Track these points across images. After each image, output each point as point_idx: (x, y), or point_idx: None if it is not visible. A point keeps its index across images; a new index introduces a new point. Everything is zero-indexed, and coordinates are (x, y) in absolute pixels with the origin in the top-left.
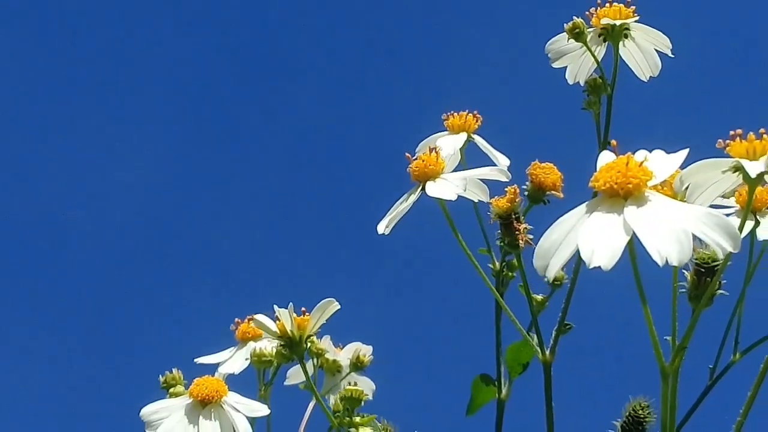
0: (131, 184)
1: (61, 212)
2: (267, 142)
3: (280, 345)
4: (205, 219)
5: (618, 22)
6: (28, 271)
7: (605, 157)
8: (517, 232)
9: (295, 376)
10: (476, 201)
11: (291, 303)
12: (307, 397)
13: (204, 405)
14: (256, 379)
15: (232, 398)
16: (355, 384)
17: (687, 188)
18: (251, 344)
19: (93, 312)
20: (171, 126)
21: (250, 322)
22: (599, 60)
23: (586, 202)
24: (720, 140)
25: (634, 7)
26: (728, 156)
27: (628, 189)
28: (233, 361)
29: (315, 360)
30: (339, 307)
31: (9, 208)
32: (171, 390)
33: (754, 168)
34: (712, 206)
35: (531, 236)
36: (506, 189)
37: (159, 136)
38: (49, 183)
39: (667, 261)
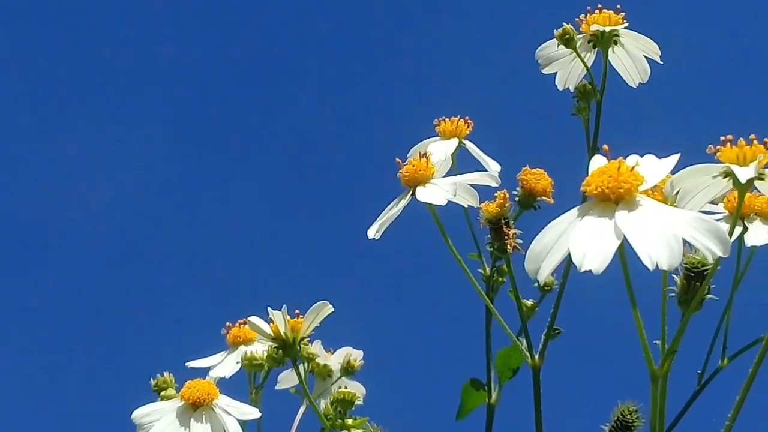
0: (122, 190)
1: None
2: (262, 146)
3: (274, 347)
4: (199, 223)
5: (607, 29)
6: (23, 274)
7: (597, 162)
8: (506, 237)
9: (286, 380)
10: (466, 206)
11: (284, 305)
12: (297, 401)
13: (195, 408)
14: (247, 383)
15: (223, 401)
16: (346, 388)
17: (677, 193)
18: (242, 348)
19: (86, 315)
20: (167, 129)
21: (242, 325)
22: (589, 66)
23: (578, 206)
24: (710, 146)
25: (623, 14)
26: (719, 161)
27: (620, 193)
28: (224, 364)
29: (306, 364)
30: (332, 309)
31: (6, 209)
32: (162, 393)
33: (744, 173)
34: (701, 212)
35: (520, 241)
36: (496, 194)
37: (155, 139)
38: (46, 184)
39: (657, 265)
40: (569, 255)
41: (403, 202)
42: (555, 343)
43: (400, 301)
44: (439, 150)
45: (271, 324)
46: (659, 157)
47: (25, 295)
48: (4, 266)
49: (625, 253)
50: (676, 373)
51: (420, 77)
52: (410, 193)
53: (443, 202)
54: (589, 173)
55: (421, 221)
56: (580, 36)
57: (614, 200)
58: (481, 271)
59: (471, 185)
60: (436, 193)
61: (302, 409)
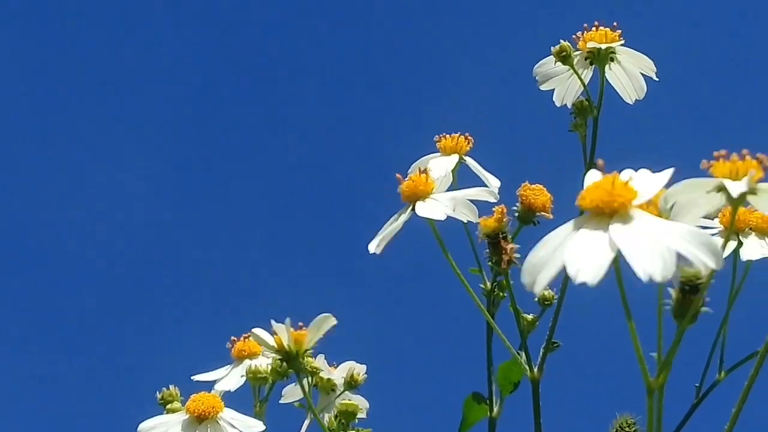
0: (125, 203)
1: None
2: (264, 155)
3: (277, 359)
4: (202, 238)
5: (604, 46)
6: (27, 287)
7: (592, 177)
8: (504, 252)
9: (290, 394)
10: (465, 221)
11: (288, 317)
12: (301, 415)
13: (200, 421)
14: (252, 396)
15: (228, 414)
16: (350, 400)
17: (672, 207)
18: (247, 362)
19: (92, 330)
20: (170, 130)
21: (247, 339)
22: (586, 83)
23: (573, 220)
24: (704, 161)
25: (620, 31)
26: (712, 176)
27: (614, 207)
28: (229, 378)
29: (310, 378)
30: (336, 322)
31: (8, 214)
32: (168, 406)
33: (736, 188)
34: (697, 226)
35: (518, 255)
36: (494, 209)
37: (158, 142)
38: (48, 187)
39: (651, 278)
40: (565, 268)
41: (404, 217)
42: (554, 356)
43: (403, 315)
44: (440, 166)
45: (275, 336)
46: (654, 172)
47: (29, 307)
48: (6, 272)
49: (619, 266)
50: (675, 386)
51: (422, 93)
52: (410, 208)
53: (442, 217)
54: (584, 188)
55: (422, 236)
56: (577, 53)
57: (609, 214)
58: (482, 285)
59: (470, 200)
60: (435, 208)
61: (306, 422)
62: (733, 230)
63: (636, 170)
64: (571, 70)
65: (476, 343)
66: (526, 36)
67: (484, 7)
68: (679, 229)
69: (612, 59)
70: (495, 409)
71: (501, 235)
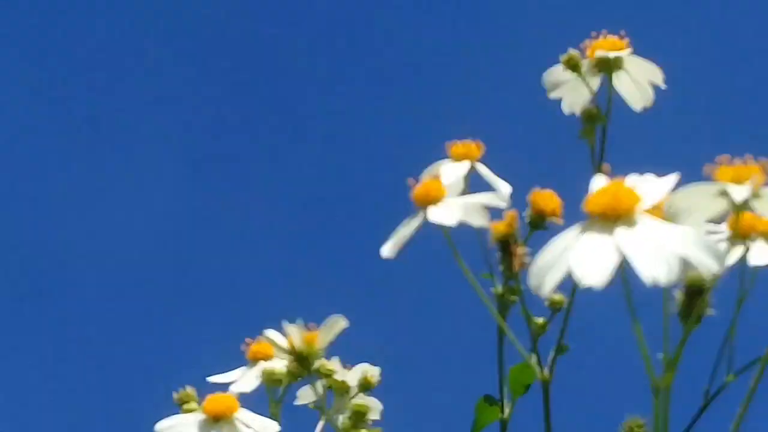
0: (148, 204)
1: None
2: (276, 162)
3: (290, 360)
4: (218, 240)
5: (612, 55)
6: (45, 289)
7: (598, 182)
8: (514, 256)
9: (304, 396)
10: (477, 226)
11: (300, 318)
12: (316, 416)
13: (216, 420)
14: (267, 398)
15: (243, 415)
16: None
17: (676, 211)
18: (262, 364)
19: (111, 332)
20: (185, 142)
21: (262, 342)
22: (594, 91)
23: (579, 224)
24: (708, 165)
25: (627, 40)
26: (716, 181)
27: (619, 212)
28: (245, 380)
29: (324, 380)
30: (346, 324)
31: (32, 225)
32: (184, 406)
33: (739, 193)
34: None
35: (529, 259)
36: (505, 213)
37: (172, 152)
38: (65, 200)
39: (655, 281)
40: (571, 271)
41: (416, 222)
42: (564, 358)
43: (416, 319)
44: (451, 172)
45: (287, 337)
46: (661, 176)
47: (52, 309)
48: (25, 284)
49: (625, 269)
50: (683, 389)
51: (433, 101)
52: (423, 213)
53: (453, 222)
54: (590, 193)
55: (435, 241)
56: (586, 61)
57: (614, 218)
58: (493, 290)
59: (481, 206)
60: (447, 213)
61: (321, 424)
62: (739, 236)
63: (642, 174)
64: (580, 79)
65: (487, 347)
66: (535, 44)
67: (492, 16)
68: (684, 233)
69: (620, 68)
70: (506, 411)
71: (512, 240)
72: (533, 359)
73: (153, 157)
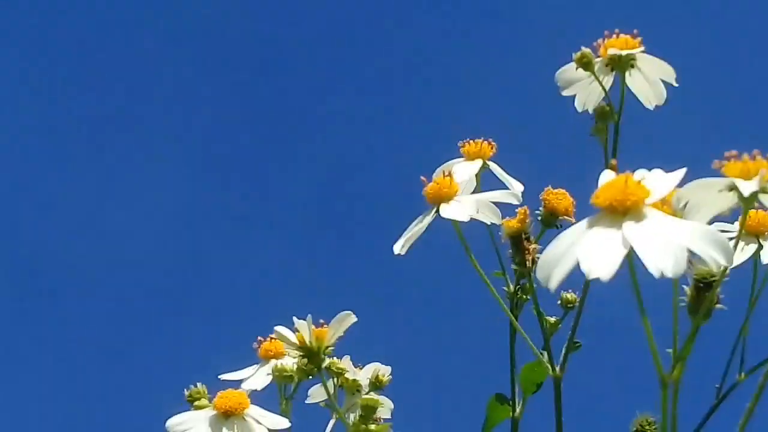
0: (158, 203)
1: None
2: (286, 162)
3: (300, 356)
4: (230, 238)
5: (624, 53)
6: (59, 289)
7: (606, 176)
8: (526, 252)
9: (316, 394)
10: (488, 223)
11: (309, 315)
12: (327, 414)
13: (227, 417)
14: (278, 395)
15: (254, 411)
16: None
17: (684, 206)
18: (273, 361)
19: (124, 330)
20: (193, 143)
21: (273, 340)
22: (607, 89)
23: (588, 218)
24: (716, 161)
25: (640, 38)
26: (724, 176)
27: (627, 206)
28: (256, 377)
29: (335, 379)
30: (355, 319)
31: (37, 231)
32: (196, 403)
33: (747, 187)
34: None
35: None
36: (517, 210)
37: (180, 154)
38: (73, 202)
39: (662, 273)
40: (579, 264)
41: (428, 219)
42: (575, 356)
43: (427, 317)
44: (464, 170)
45: (297, 333)
46: (669, 171)
47: (65, 310)
48: (35, 285)
49: (633, 262)
50: (695, 386)
51: (446, 100)
52: (434, 210)
53: (466, 219)
54: (599, 187)
55: (447, 238)
56: (598, 60)
57: (622, 212)
58: (505, 288)
59: (493, 203)
60: (459, 210)
61: (332, 422)
62: (747, 231)
63: (650, 169)
64: (593, 77)
65: (499, 345)
66: (548, 42)
67: (505, 14)
68: (691, 227)
69: (632, 66)
70: (518, 410)
71: (524, 236)
72: (545, 357)
73: (164, 157)
